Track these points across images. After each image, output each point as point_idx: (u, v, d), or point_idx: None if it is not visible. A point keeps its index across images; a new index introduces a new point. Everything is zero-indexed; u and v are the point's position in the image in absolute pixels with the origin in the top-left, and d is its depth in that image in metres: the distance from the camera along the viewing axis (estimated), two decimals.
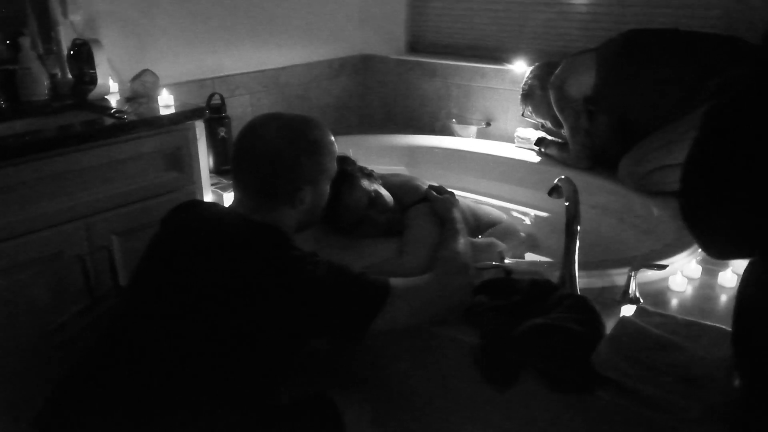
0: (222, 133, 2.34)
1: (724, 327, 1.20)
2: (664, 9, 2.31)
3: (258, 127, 1.33)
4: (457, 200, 1.73)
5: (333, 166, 1.40)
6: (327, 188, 1.41)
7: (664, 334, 1.15)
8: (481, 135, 2.79)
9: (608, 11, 2.47)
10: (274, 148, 1.29)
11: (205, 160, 1.95)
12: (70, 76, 1.96)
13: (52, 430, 1.17)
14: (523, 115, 2.51)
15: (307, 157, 1.31)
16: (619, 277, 1.51)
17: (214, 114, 2.34)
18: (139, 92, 1.93)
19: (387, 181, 1.84)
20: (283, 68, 2.77)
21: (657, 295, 1.48)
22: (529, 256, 2.00)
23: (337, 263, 1.23)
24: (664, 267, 1.48)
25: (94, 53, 1.87)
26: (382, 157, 2.68)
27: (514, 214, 2.39)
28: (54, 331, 1.62)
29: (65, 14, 1.95)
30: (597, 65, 2.14)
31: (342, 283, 1.21)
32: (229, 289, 1.16)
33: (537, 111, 2.43)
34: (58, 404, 1.18)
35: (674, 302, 1.46)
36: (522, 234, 2.12)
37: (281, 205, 1.32)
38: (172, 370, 1.14)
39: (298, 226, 1.40)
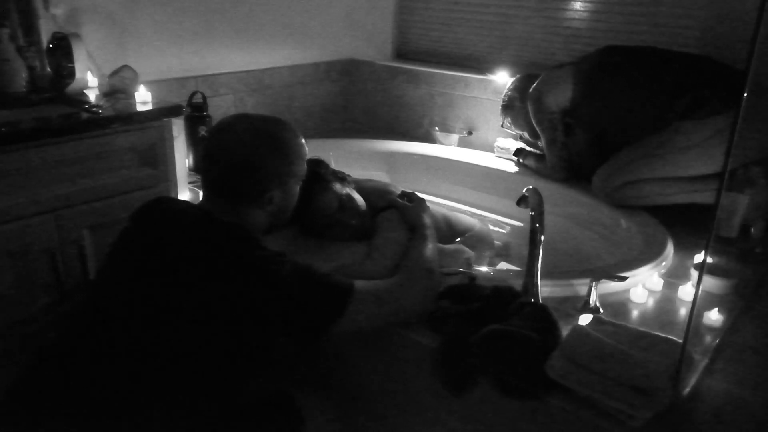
0: (203, 132, 2.34)
1: (673, 338, 1.22)
2: (644, 27, 2.35)
3: (226, 128, 1.34)
4: (427, 207, 1.74)
5: (302, 168, 1.41)
6: (296, 190, 1.42)
7: (614, 343, 1.17)
8: (462, 143, 2.81)
9: (591, 26, 2.50)
10: (243, 150, 1.30)
11: (182, 158, 1.96)
12: (49, 69, 1.97)
13: (10, 424, 1.17)
14: (502, 125, 2.54)
15: (275, 158, 1.32)
16: (581, 287, 1.53)
17: (195, 112, 2.35)
18: (118, 87, 1.94)
19: (361, 186, 1.85)
20: (269, 69, 2.78)
21: (618, 306, 1.51)
22: (503, 265, 2.02)
23: (303, 263, 1.24)
24: (624, 278, 1.50)
25: (73, 47, 1.88)
26: (363, 161, 2.70)
27: (491, 223, 2.41)
28: (21, 324, 1.62)
29: (47, 7, 1.96)
30: (574, 79, 2.17)
31: (306, 283, 1.22)
32: (193, 288, 1.17)
33: (516, 122, 2.45)
34: (17, 398, 1.18)
35: (634, 313, 1.49)
36: (496, 242, 2.15)
37: (249, 206, 1.33)
38: (134, 368, 1.14)
39: (267, 227, 1.41)
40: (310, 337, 1.28)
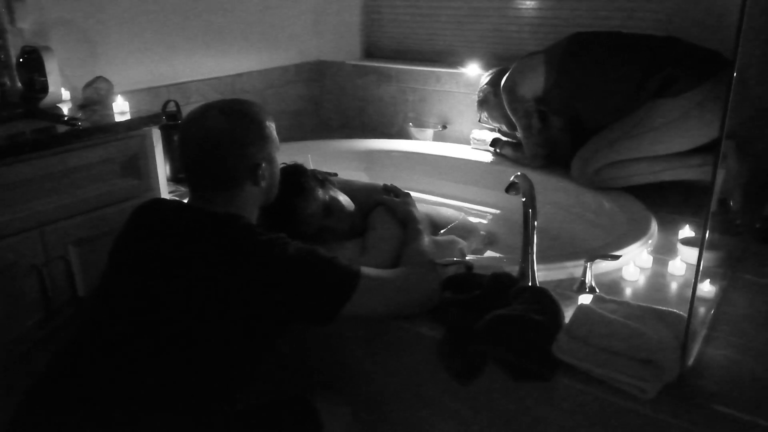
0: (175, 137, 2.31)
1: (676, 311, 1.25)
2: (610, 12, 2.40)
3: (199, 118, 1.34)
4: (413, 201, 1.75)
5: (276, 137, 1.42)
6: (278, 159, 1.43)
7: (619, 319, 1.19)
8: (437, 138, 2.83)
9: (557, 15, 2.54)
10: (226, 132, 1.30)
11: (162, 167, 1.93)
12: (19, 84, 1.92)
13: None
14: (480, 121, 2.56)
15: (255, 131, 1.34)
16: (575, 268, 1.55)
17: (170, 121, 2.31)
18: (93, 99, 1.90)
19: (349, 186, 1.85)
20: (239, 75, 2.77)
21: (611, 285, 1.53)
22: (489, 253, 2.04)
23: (306, 245, 1.25)
24: (617, 257, 1.53)
25: (44, 60, 1.84)
26: (342, 161, 2.69)
27: (472, 213, 2.43)
28: (10, 344, 1.58)
29: (13, 22, 1.91)
30: (546, 66, 2.20)
31: (313, 265, 1.22)
32: (200, 283, 1.17)
33: (492, 116, 2.48)
34: (26, 413, 1.16)
35: (628, 291, 1.52)
36: (481, 231, 2.16)
37: (244, 188, 1.33)
38: (141, 373, 1.14)
39: (262, 205, 1.42)
40: (317, 321, 1.28)
